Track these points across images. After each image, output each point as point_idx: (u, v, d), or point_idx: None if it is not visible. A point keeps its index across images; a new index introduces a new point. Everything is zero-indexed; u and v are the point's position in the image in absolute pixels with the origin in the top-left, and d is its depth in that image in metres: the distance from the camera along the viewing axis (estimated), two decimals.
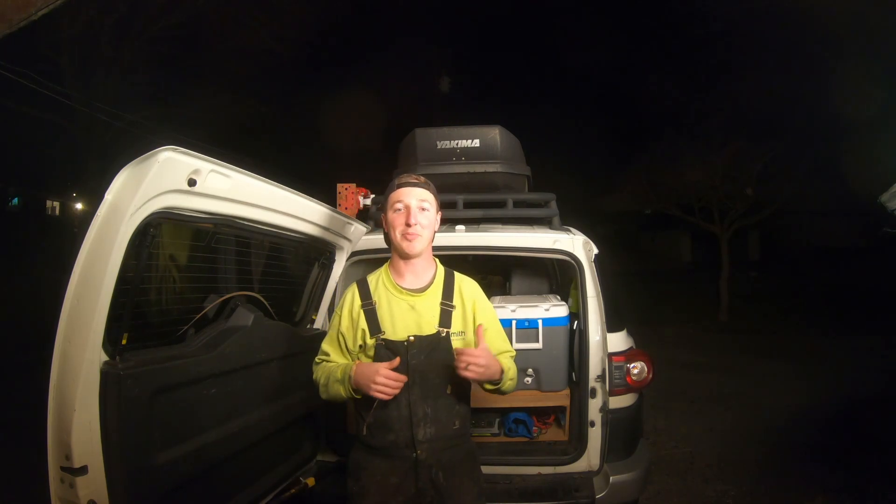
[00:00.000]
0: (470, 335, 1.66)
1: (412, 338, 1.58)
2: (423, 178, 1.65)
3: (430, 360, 1.58)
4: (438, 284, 1.65)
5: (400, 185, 1.62)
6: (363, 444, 1.65)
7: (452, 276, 1.69)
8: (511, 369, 1.67)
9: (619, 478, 2.34)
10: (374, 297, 1.63)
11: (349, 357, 1.66)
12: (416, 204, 1.59)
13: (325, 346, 1.71)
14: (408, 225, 1.56)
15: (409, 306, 1.61)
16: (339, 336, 1.66)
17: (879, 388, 5.33)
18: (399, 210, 1.59)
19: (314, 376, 1.69)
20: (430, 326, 1.60)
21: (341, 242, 2.41)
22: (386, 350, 1.57)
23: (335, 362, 1.66)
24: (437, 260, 1.71)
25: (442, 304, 1.63)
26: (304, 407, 2.29)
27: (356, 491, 1.63)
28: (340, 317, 1.65)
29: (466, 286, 1.69)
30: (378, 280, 1.66)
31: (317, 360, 1.72)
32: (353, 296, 1.66)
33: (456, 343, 1.63)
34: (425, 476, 1.59)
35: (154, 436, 1.54)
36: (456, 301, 1.65)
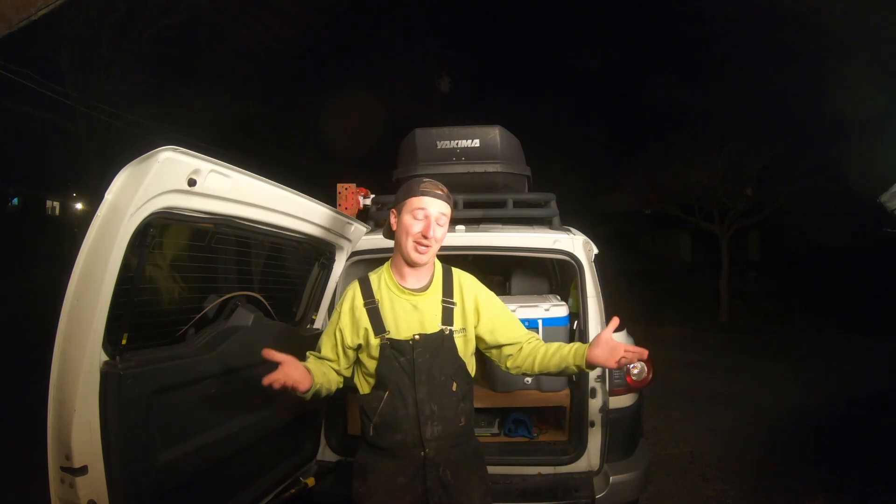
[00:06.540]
0: (471, 331, 1.67)
1: (417, 336, 1.59)
2: (444, 189, 1.62)
3: (435, 358, 1.59)
4: (438, 282, 1.67)
5: (424, 193, 1.58)
6: (370, 444, 1.64)
7: (451, 272, 1.71)
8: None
9: (619, 478, 2.34)
10: (377, 297, 1.63)
11: (343, 356, 1.66)
12: (436, 216, 1.58)
13: (321, 339, 1.72)
14: (424, 237, 1.56)
15: (412, 306, 1.62)
16: (336, 331, 1.66)
17: (879, 388, 5.33)
18: (418, 218, 1.57)
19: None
20: (432, 325, 1.62)
21: (341, 242, 2.41)
22: (392, 350, 1.58)
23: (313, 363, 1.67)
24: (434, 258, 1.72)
25: (443, 301, 1.65)
26: (304, 407, 2.28)
27: (363, 492, 1.61)
28: (340, 313, 1.66)
29: (465, 282, 1.70)
30: (380, 279, 1.66)
31: (308, 353, 1.74)
32: (354, 293, 1.66)
33: (458, 340, 1.63)
34: (433, 475, 1.58)
35: (154, 436, 1.54)
36: (456, 298, 1.66)
